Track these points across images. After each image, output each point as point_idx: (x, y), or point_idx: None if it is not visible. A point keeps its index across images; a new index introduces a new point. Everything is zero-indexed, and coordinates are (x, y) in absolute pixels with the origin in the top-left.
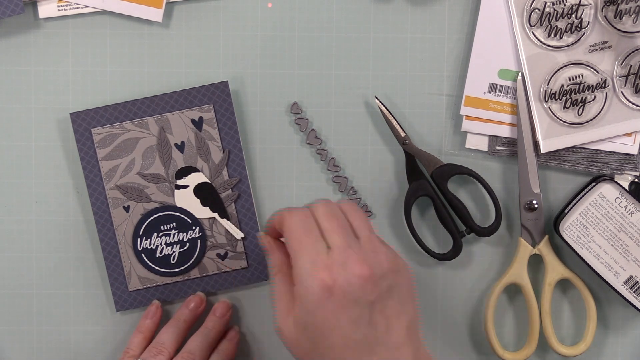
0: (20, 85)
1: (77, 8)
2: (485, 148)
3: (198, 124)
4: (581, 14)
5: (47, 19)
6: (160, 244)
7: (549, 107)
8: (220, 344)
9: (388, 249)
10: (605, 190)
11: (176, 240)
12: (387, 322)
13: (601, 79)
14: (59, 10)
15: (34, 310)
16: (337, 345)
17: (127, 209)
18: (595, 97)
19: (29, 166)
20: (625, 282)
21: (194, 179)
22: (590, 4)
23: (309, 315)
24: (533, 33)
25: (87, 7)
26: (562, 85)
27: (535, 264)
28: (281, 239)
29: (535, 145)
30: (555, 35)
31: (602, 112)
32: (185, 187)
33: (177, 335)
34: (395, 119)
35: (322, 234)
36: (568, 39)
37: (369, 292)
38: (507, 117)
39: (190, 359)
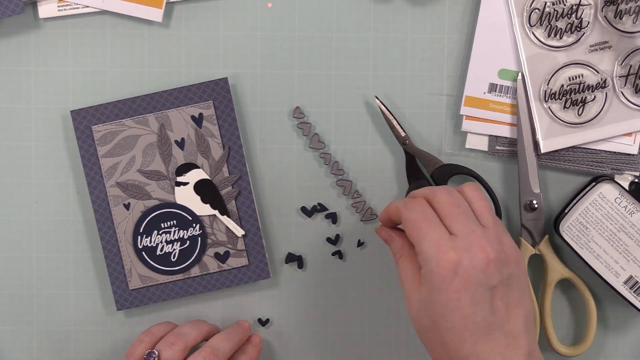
0: (20, 85)
1: (77, 8)
2: (485, 148)
3: (198, 120)
4: (581, 14)
5: (47, 19)
6: (161, 242)
7: (549, 107)
8: (244, 346)
9: (510, 240)
10: (605, 190)
11: (176, 237)
12: (506, 309)
13: (601, 79)
14: (59, 10)
15: (34, 310)
16: (456, 326)
17: (127, 206)
18: (595, 97)
19: (29, 166)
20: (625, 282)
21: (194, 176)
22: (590, 4)
23: (433, 295)
24: (533, 33)
25: (87, 7)
26: (562, 85)
27: (535, 264)
28: (399, 226)
29: (535, 145)
30: (555, 35)
31: (602, 112)
32: (185, 184)
33: (200, 332)
34: (396, 119)
35: (442, 221)
36: (568, 39)
37: (492, 276)
38: (507, 117)
39: (214, 355)
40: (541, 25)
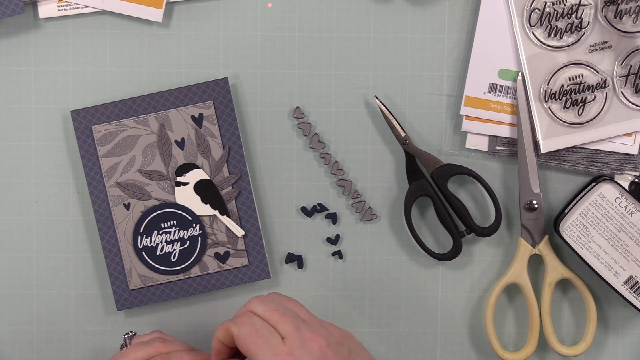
0: (20, 85)
1: (77, 8)
2: (485, 148)
3: (198, 120)
4: (581, 14)
5: (47, 19)
6: (161, 242)
7: (549, 107)
8: None
9: (331, 324)
10: (605, 190)
11: (177, 237)
12: None
13: (601, 79)
14: (59, 10)
15: (34, 310)
16: None
17: (127, 206)
18: (595, 97)
19: (29, 166)
20: (625, 282)
21: (194, 176)
22: (590, 4)
23: None
24: (533, 33)
25: (87, 7)
26: (562, 85)
27: (535, 264)
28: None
29: (535, 145)
30: (555, 35)
31: (602, 112)
32: (185, 184)
33: None
34: (396, 119)
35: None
36: (568, 39)
37: (333, 358)
38: (507, 117)
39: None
40: (541, 25)
